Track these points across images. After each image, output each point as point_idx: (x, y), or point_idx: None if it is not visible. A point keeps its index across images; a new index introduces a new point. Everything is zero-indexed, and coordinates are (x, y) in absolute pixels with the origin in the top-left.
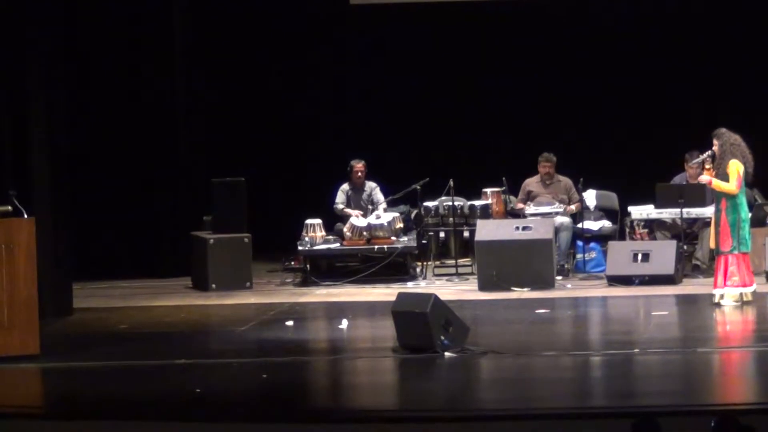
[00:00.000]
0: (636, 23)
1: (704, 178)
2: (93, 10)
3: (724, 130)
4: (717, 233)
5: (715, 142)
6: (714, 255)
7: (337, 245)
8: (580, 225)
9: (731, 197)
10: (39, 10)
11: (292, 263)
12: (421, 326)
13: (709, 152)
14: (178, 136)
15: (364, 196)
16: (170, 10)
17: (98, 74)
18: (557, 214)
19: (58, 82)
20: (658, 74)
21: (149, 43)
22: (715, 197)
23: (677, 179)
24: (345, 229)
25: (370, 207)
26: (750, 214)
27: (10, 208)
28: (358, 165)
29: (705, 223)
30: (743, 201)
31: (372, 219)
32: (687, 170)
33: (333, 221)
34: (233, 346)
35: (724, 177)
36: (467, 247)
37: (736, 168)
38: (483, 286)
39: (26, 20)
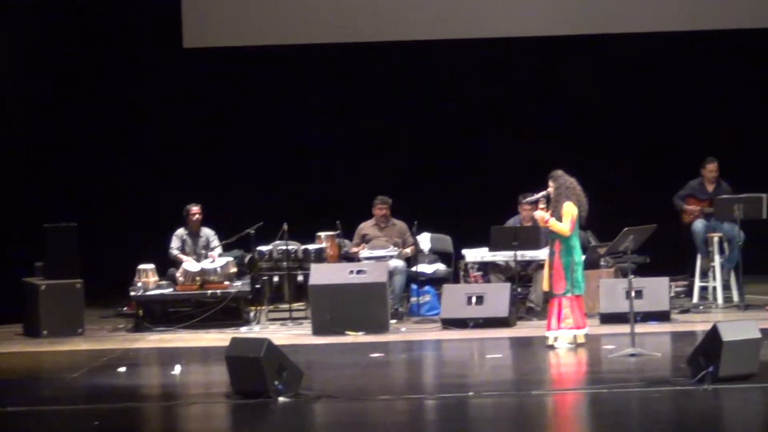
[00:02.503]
0: (464, 69)
1: (539, 213)
2: None
3: (560, 172)
4: (550, 276)
5: (550, 183)
6: (548, 297)
7: (170, 290)
8: (414, 268)
9: (565, 240)
10: None
11: (125, 309)
12: (254, 371)
13: (544, 193)
14: (7, 179)
15: (201, 242)
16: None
17: None
18: (391, 257)
19: None
20: (491, 117)
21: None
22: (549, 240)
23: (511, 222)
24: (178, 274)
25: (204, 252)
26: (584, 257)
27: None
28: (194, 208)
29: (539, 265)
30: (577, 244)
31: (206, 263)
32: (521, 212)
33: (166, 267)
34: (65, 392)
35: (559, 219)
36: (301, 291)
37: (569, 210)
38: (317, 331)
39: None
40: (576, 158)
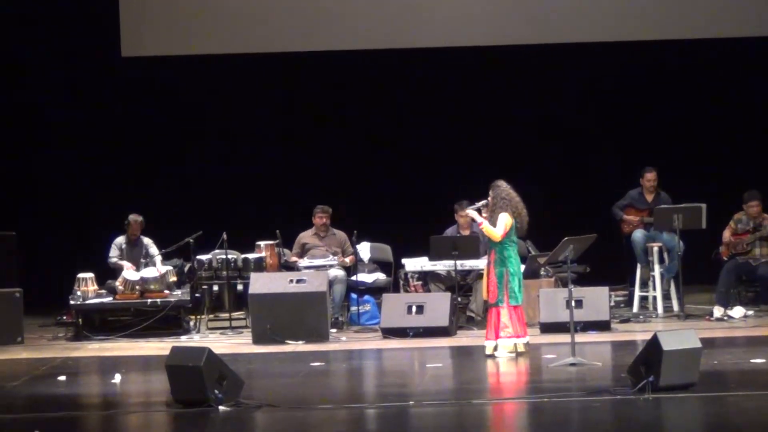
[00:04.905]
0: (397, 78)
1: (473, 213)
2: None
3: (501, 182)
4: (488, 285)
5: (490, 193)
6: (487, 307)
7: (109, 299)
8: (354, 277)
9: (499, 250)
10: None
11: (65, 318)
12: (194, 380)
13: (484, 201)
14: None
15: (139, 251)
16: None
17: None
18: (331, 266)
19: None
20: (428, 129)
21: None
22: (487, 249)
23: (450, 231)
24: (117, 283)
25: (143, 261)
26: (523, 267)
27: None
28: (137, 220)
29: (479, 274)
30: (511, 254)
31: (145, 272)
32: (458, 220)
33: (106, 276)
34: (5, 401)
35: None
36: (241, 301)
37: (504, 221)
38: (257, 340)
39: None
40: (518, 169)
